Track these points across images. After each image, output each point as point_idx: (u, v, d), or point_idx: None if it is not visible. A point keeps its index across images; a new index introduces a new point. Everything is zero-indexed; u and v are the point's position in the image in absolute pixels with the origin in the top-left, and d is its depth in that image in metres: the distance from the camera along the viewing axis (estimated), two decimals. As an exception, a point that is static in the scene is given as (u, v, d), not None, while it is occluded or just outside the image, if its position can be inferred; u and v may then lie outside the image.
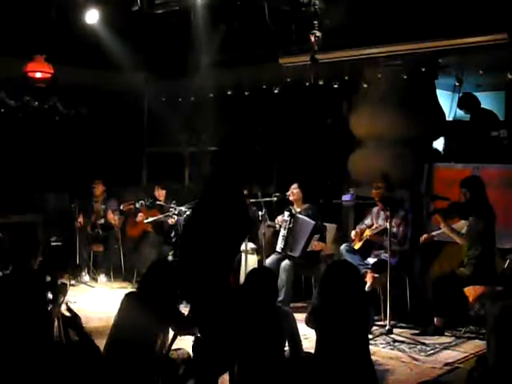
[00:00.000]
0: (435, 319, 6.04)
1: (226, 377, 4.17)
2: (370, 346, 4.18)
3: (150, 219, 7.99)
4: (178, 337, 4.31)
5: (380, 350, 5.57)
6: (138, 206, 8.18)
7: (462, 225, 6.23)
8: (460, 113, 8.15)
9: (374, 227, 6.64)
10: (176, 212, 7.56)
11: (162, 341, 4.12)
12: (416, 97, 7.57)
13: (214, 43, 7.60)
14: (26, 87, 8.39)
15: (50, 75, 8.09)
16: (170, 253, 7.96)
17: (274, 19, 6.50)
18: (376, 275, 6.27)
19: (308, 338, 4.58)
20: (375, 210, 6.79)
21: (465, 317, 6.28)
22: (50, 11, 7.00)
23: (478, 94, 8.09)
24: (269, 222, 7.17)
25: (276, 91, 8.15)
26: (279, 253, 7.05)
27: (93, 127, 9.51)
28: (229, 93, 8.69)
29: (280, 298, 6.18)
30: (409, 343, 5.80)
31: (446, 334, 6.03)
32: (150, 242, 8.10)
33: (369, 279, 6.24)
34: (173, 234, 8.04)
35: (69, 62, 8.42)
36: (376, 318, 6.22)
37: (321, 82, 7.70)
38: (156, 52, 8.55)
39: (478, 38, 6.30)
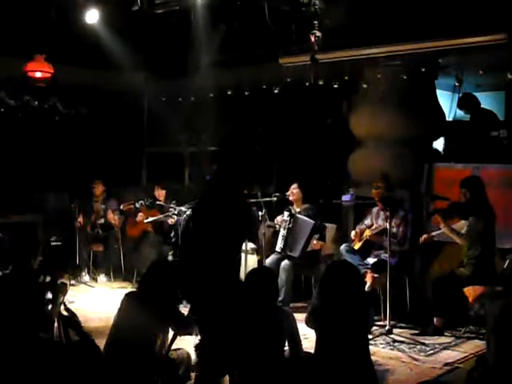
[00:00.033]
0: (435, 319, 6.04)
1: (226, 377, 4.17)
2: (370, 346, 4.19)
3: (150, 219, 7.99)
4: (178, 337, 4.31)
5: (380, 350, 5.57)
6: (137, 205, 8.18)
7: (461, 225, 6.23)
8: (460, 113, 8.15)
9: (373, 227, 6.64)
10: (176, 212, 7.56)
11: (162, 341, 4.12)
12: (416, 97, 7.57)
13: (213, 43, 7.60)
14: (25, 87, 8.39)
15: (49, 75, 8.09)
16: (170, 253, 7.96)
17: (273, 19, 6.50)
18: (376, 275, 6.27)
19: (308, 338, 4.58)
20: (375, 210, 6.79)
21: (464, 317, 6.28)
22: (50, 11, 7.00)
23: (477, 94, 8.09)
24: (268, 222, 7.17)
25: (276, 91, 8.15)
26: (279, 253, 7.05)
27: (93, 127, 9.51)
28: (229, 93, 8.69)
29: (280, 298, 6.18)
30: (409, 343, 5.80)
31: (445, 334, 6.03)
32: (150, 241, 8.10)
33: (369, 279, 6.24)
34: (173, 234, 8.04)
35: (69, 62, 8.42)
36: (376, 318, 6.22)
37: (321, 82, 7.71)
38: (156, 52, 8.55)
39: (478, 38, 6.30)
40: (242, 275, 5.22)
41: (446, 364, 5.23)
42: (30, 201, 8.96)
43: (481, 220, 5.95)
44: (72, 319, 3.91)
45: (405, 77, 7.25)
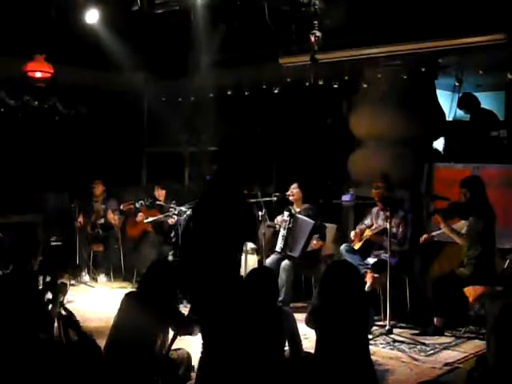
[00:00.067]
0: (435, 319, 6.04)
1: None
2: (370, 346, 4.19)
3: (150, 219, 7.99)
4: (178, 337, 4.31)
5: (380, 350, 5.56)
6: (137, 205, 8.18)
7: (461, 225, 6.23)
8: (460, 113, 8.15)
9: (373, 227, 6.65)
10: (176, 212, 7.55)
11: (162, 341, 4.12)
12: (416, 97, 7.57)
13: (213, 43, 7.60)
14: (25, 87, 8.39)
15: (49, 75, 8.08)
16: (170, 253, 7.96)
17: (273, 19, 6.50)
18: (376, 275, 6.27)
19: (308, 338, 4.58)
20: (375, 210, 6.79)
21: (465, 317, 6.28)
22: (50, 11, 7.00)
23: (477, 94, 8.09)
24: (268, 222, 7.17)
25: (276, 91, 8.15)
26: (279, 253, 7.05)
27: (93, 127, 9.51)
28: (229, 93, 8.69)
29: (280, 298, 6.18)
30: (409, 343, 5.80)
31: (445, 334, 6.03)
32: (150, 241, 8.10)
33: (369, 279, 6.24)
34: (173, 234, 8.04)
35: (69, 62, 8.42)
36: (376, 318, 6.22)
37: (321, 82, 7.70)
38: (156, 52, 8.54)
39: (478, 38, 6.30)
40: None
41: (446, 364, 5.22)
42: (29, 201, 8.96)
43: (481, 220, 5.95)
44: (70, 318, 3.91)
45: (405, 77, 7.25)
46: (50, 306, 3.97)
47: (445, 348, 5.68)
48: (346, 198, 8.00)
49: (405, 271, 6.53)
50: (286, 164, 8.88)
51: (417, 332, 6.06)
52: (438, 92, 8.03)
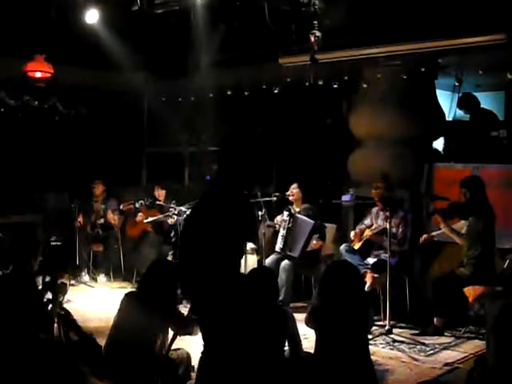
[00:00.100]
0: (435, 319, 6.04)
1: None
2: (370, 346, 4.19)
3: (150, 219, 7.99)
4: (178, 337, 4.31)
5: (380, 350, 5.56)
6: (137, 205, 8.18)
7: (461, 225, 6.23)
8: (460, 113, 8.16)
9: (373, 227, 6.65)
10: (176, 212, 7.55)
11: (162, 341, 4.12)
12: (416, 97, 7.57)
13: (213, 43, 7.60)
14: (25, 87, 8.39)
15: (49, 75, 8.09)
16: (170, 253, 7.96)
17: (273, 19, 6.50)
18: (376, 275, 6.28)
19: (308, 338, 4.58)
20: (374, 210, 6.79)
21: (464, 317, 6.28)
22: (50, 11, 6.99)
23: (477, 94, 8.09)
24: (268, 222, 7.17)
25: (276, 91, 8.16)
26: (279, 253, 7.05)
27: (93, 127, 9.51)
28: (229, 93, 8.69)
29: (280, 298, 6.18)
30: (408, 343, 5.80)
31: (445, 334, 6.03)
32: (150, 241, 8.10)
33: (368, 279, 6.24)
34: (172, 234, 8.04)
35: (69, 62, 8.42)
36: (376, 318, 6.22)
37: (320, 82, 7.70)
38: (156, 52, 8.55)
39: (478, 38, 6.30)
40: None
41: (446, 364, 5.22)
42: (29, 201, 8.97)
43: (481, 220, 5.95)
44: (67, 318, 3.91)
45: (405, 77, 7.25)
46: (50, 306, 3.97)
47: (445, 348, 5.68)
48: (345, 198, 8.00)
49: (405, 271, 6.53)
50: (285, 164, 8.88)
51: (417, 332, 6.06)
52: (438, 92, 8.03)
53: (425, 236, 6.36)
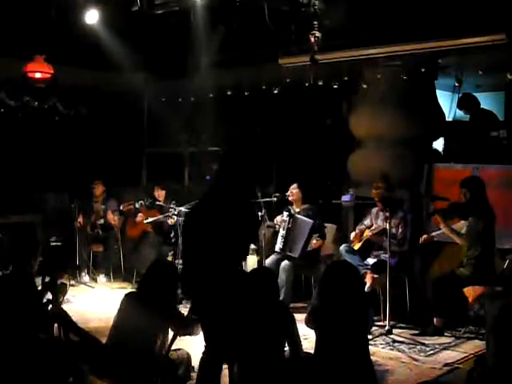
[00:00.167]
0: (435, 319, 6.04)
1: (226, 379, 4.17)
2: (370, 347, 4.19)
3: (150, 219, 7.99)
4: (178, 337, 4.31)
5: (380, 351, 5.57)
6: (137, 206, 8.17)
7: (461, 225, 6.23)
8: (460, 113, 8.16)
9: (373, 228, 6.65)
10: (175, 212, 7.55)
11: (162, 341, 4.12)
12: (416, 97, 7.57)
13: (213, 43, 7.60)
14: (25, 87, 8.39)
15: (49, 75, 8.09)
16: (170, 253, 7.96)
17: (273, 19, 6.50)
18: (376, 276, 6.28)
19: (308, 338, 4.58)
20: (374, 210, 6.79)
21: (464, 317, 6.28)
22: (50, 11, 6.99)
23: (477, 95, 8.10)
24: (268, 223, 7.17)
25: (276, 92, 8.16)
26: (279, 253, 7.05)
27: (93, 127, 9.51)
28: (228, 93, 8.69)
29: (280, 299, 6.17)
30: (408, 343, 5.80)
31: (445, 334, 6.03)
32: (150, 242, 8.10)
33: (368, 280, 6.24)
34: (172, 235, 8.05)
35: (69, 63, 8.42)
36: (376, 318, 6.22)
37: (320, 83, 7.71)
38: (156, 52, 8.55)
39: (477, 39, 6.30)
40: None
41: (446, 364, 5.22)
42: (29, 201, 8.96)
43: (481, 220, 5.95)
44: (65, 318, 3.91)
45: (404, 77, 7.25)
46: (50, 307, 3.97)
47: (444, 348, 5.68)
48: (345, 198, 8.00)
49: (404, 271, 6.53)
50: (285, 164, 8.89)
51: (416, 332, 6.07)
52: (438, 92, 8.03)
53: (425, 236, 6.36)
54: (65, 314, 3.92)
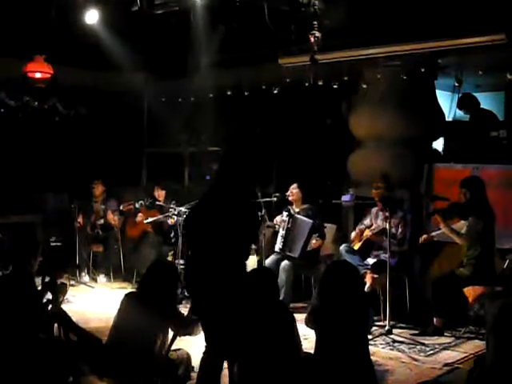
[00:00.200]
0: (435, 319, 6.04)
1: (226, 379, 4.17)
2: (370, 347, 4.19)
3: (150, 219, 7.99)
4: (178, 337, 4.31)
5: (379, 351, 5.56)
6: (137, 206, 8.17)
7: (461, 225, 6.23)
8: (459, 113, 8.16)
9: (373, 227, 6.65)
10: (175, 212, 7.55)
11: (162, 341, 4.12)
12: (415, 97, 7.57)
13: (213, 44, 7.60)
14: (25, 87, 8.39)
15: (49, 75, 8.09)
16: (170, 253, 7.96)
17: (273, 20, 6.50)
18: (375, 276, 6.28)
19: (308, 338, 4.58)
20: (374, 210, 6.79)
21: (464, 317, 6.28)
22: (50, 11, 6.99)
23: (477, 95, 8.10)
24: (268, 223, 7.17)
25: (275, 91, 8.16)
26: (278, 253, 7.05)
27: (92, 127, 9.51)
28: (228, 93, 8.69)
29: (280, 298, 6.17)
30: (408, 343, 5.80)
31: (445, 334, 6.03)
32: (150, 242, 8.10)
33: (368, 280, 6.25)
34: (172, 235, 8.04)
35: (68, 63, 8.42)
36: (375, 318, 6.22)
37: (320, 83, 7.71)
38: (156, 52, 8.54)
39: (477, 39, 6.30)
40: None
41: (446, 364, 5.22)
42: (29, 201, 8.97)
43: (480, 220, 5.95)
44: (64, 318, 3.91)
45: (404, 77, 7.25)
46: (50, 307, 3.97)
47: (444, 348, 5.68)
48: (345, 198, 8.00)
49: (404, 271, 6.53)
50: (285, 164, 8.89)
51: (416, 332, 6.06)
52: (438, 92, 8.03)
53: (424, 236, 6.37)
54: (64, 314, 3.92)
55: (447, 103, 8.08)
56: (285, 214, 7.08)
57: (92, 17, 6.71)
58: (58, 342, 3.92)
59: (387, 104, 7.56)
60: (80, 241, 8.30)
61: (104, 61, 7.98)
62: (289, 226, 7.00)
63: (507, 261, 6.19)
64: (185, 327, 4.28)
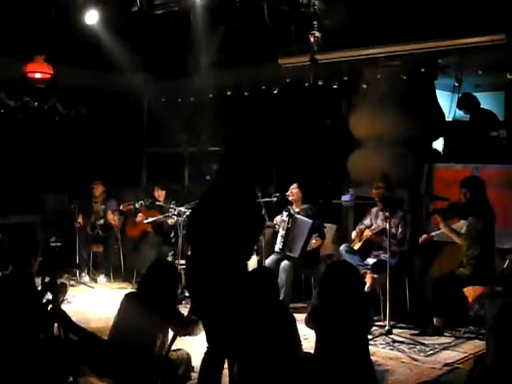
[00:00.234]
0: (435, 319, 6.04)
1: (226, 379, 4.17)
2: (370, 347, 4.19)
3: (150, 219, 7.99)
4: (178, 337, 4.31)
5: (380, 351, 5.57)
6: (137, 206, 8.17)
7: (461, 225, 6.23)
8: (459, 113, 8.16)
9: (372, 227, 6.65)
10: (175, 212, 7.55)
11: (162, 341, 4.12)
12: (415, 97, 7.57)
13: (213, 44, 7.60)
14: (25, 88, 8.39)
15: (49, 76, 8.08)
16: (170, 253, 7.96)
17: (273, 20, 6.50)
18: (375, 276, 6.28)
19: (308, 339, 4.58)
20: (374, 210, 6.79)
21: (464, 317, 6.28)
22: (50, 11, 6.99)
23: (477, 95, 8.10)
24: (268, 223, 7.17)
25: (275, 92, 8.16)
26: (278, 253, 7.05)
27: (92, 128, 9.51)
28: (228, 93, 8.69)
29: (280, 298, 6.16)
30: (408, 343, 5.80)
31: (445, 334, 6.03)
32: (150, 242, 8.10)
33: (368, 280, 6.25)
34: (172, 235, 8.04)
35: (68, 63, 8.42)
36: (375, 318, 6.22)
37: (320, 83, 7.71)
38: (156, 52, 8.55)
39: (477, 39, 6.30)
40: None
41: (446, 364, 5.23)
42: (29, 201, 8.97)
43: (480, 220, 5.95)
44: (63, 318, 3.91)
45: (404, 77, 7.25)
46: (50, 307, 3.97)
47: (444, 348, 5.68)
48: (345, 198, 8.00)
49: (404, 271, 6.53)
50: (286, 164, 8.89)
51: (416, 332, 6.07)
52: (438, 92, 8.03)
53: (424, 236, 6.37)
54: (64, 314, 3.92)
55: (447, 103, 8.08)
56: (285, 213, 7.08)
57: (92, 17, 6.72)
58: (58, 341, 3.91)
59: (387, 104, 7.56)
60: (80, 241, 8.31)
61: (104, 61, 7.99)
62: (289, 225, 7.00)
63: (507, 261, 6.19)
64: (185, 327, 4.27)
